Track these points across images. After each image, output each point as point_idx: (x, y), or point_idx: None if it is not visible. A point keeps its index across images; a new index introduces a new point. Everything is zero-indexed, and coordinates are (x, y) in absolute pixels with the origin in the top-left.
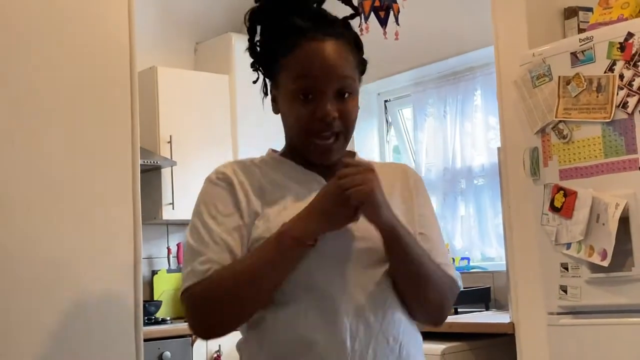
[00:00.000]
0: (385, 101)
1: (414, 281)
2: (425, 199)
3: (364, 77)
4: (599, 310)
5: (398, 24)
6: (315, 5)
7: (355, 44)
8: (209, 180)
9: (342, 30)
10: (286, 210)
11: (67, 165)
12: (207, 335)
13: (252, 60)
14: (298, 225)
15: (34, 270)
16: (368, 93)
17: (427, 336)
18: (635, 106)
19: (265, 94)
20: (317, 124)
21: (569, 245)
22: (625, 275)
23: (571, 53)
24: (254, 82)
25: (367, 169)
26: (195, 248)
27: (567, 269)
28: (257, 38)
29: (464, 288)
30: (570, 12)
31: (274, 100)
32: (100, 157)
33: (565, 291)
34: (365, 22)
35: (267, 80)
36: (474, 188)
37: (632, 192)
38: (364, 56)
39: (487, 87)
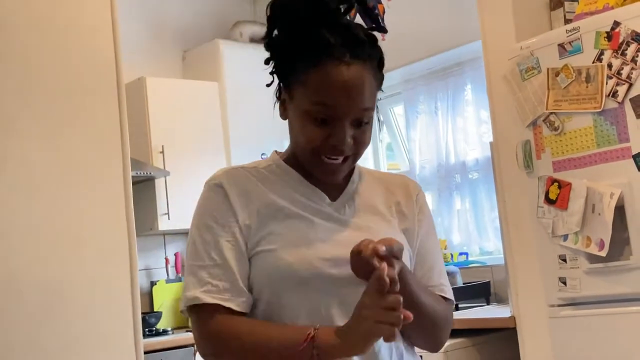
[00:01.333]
0: (377, 100)
1: (420, 324)
2: (427, 217)
3: None
4: (599, 300)
5: (383, 25)
6: (344, 18)
7: (379, 64)
8: (207, 186)
9: (369, 51)
10: (289, 232)
11: (58, 181)
12: None
13: (268, 55)
14: (326, 349)
15: (29, 288)
16: None
17: None
18: (625, 94)
19: (278, 97)
20: (329, 148)
21: (565, 237)
22: (624, 264)
23: (559, 44)
24: (268, 85)
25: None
26: (196, 263)
27: (565, 260)
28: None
29: (464, 283)
30: (556, 3)
31: (283, 105)
32: (91, 171)
33: (565, 283)
34: (386, 32)
35: (280, 82)
36: (469, 182)
37: (627, 181)
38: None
39: (477, 82)
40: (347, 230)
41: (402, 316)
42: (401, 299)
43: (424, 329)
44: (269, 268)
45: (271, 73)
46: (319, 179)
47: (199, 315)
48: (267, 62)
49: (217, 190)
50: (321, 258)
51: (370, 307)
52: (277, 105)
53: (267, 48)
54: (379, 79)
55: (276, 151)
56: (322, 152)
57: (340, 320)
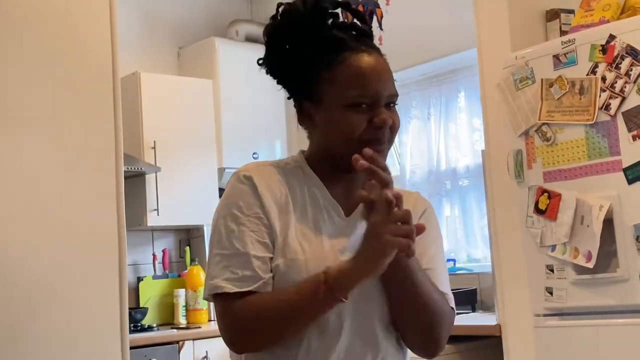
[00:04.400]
0: None
1: (419, 315)
2: (432, 228)
3: None
4: (585, 311)
5: (382, 29)
6: (345, 20)
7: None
8: (235, 177)
9: (374, 44)
10: (304, 241)
11: (51, 172)
12: (242, 351)
13: (275, 79)
14: (341, 282)
15: (17, 280)
16: None
17: None
18: (618, 108)
19: (299, 109)
20: (373, 132)
21: (554, 247)
22: (611, 276)
23: (554, 56)
24: (289, 98)
25: (408, 213)
26: (220, 251)
27: (552, 270)
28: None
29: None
30: (552, 15)
31: (307, 115)
32: (84, 164)
33: (551, 293)
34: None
35: (298, 97)
36: (459, 189)
37: (616, 194)
38: None
39: (471, 89)
40: (346, 250)
41: (414, 228)
42: (410, 212)
43: (426, 322)
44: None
45: (289, 97)
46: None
47: (223, 303)
48: (279, 83)
49: (246, 182)
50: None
51: (382, 222)
52: (297, 119)
53: (273, 70)
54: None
55: (302, 151)
56: (368, 138)
57: (347, 327)
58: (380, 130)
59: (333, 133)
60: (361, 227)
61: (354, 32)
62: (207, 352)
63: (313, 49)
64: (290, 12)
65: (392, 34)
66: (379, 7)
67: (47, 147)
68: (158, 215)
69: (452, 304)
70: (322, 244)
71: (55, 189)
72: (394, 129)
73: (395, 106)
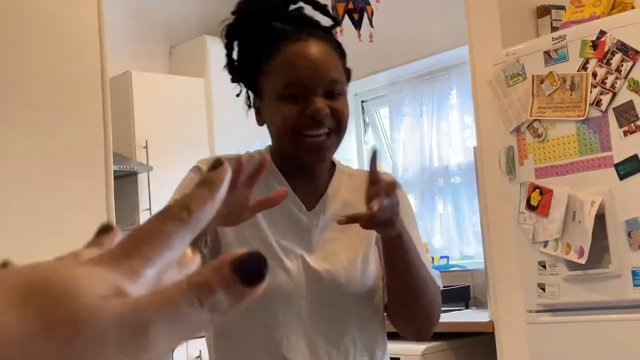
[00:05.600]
0: (363, 102)
1: (411, 290)
2: (408, 211)
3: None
4: (577, 307)
5: (372, 26)
6: (294, 11)
7: (339, 50)
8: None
9: (324, 34)
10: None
11: (39, 173)
12: None
13: (231, 76)
14: None
15: None
16: None
17: None
18: (609, 104)
19: (249, 106)
20: (307, 121)
21: (545, 244)
22: (603, 272)
23: (544, 52)
24: (237, 95)
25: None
26: None
27: (544, 267)
28: (235, 53)
29: (444, 287)
30: (543, 11)
31: (258, 113)
32: (73, 164)
33: (544, 289)
34: (340, 25)
35: (249, 92)
36: (452, 186)
37: (608, 190)
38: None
39: (463, 86)
40: (311, 245)
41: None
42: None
43: (418, 302)
44: None
45: (237, 83)
46: (308, 164)
47: None
48: (233, 80)
49: (196, 172)
50: (282, 270)
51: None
52: (252, 113)
53: (230, 69)
54: (343, 60)
55: (270, 146)
56: (302, 127)
57: (298, 331)
58: (315, 120)
59: (273, 126)
60: (324, 220)
61: (300, 23)
62: (200, 351)
63: (257, 42)
64: (238, 9)
65: (383, 31)
66: (369, 5)
67: (35, 146)
68: (150, 214)
69: (439, 283)
70: (268, 240)
71: (44, 189)
72: (338, 117)
73: (339, 95)
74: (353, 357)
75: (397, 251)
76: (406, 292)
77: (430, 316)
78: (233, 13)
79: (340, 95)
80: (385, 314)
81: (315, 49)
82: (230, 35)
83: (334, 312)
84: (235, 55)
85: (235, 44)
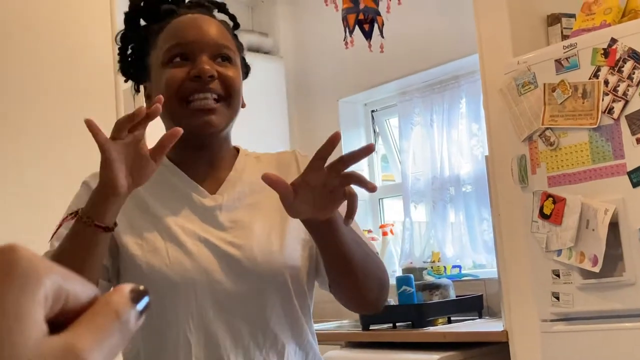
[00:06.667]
0: (372, 111)
1: (353, 267)
2: None
3: (351, 87)
4: (592, 316)
5: (383, 37)
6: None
7: (232, 25)
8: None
9: (215, 11)
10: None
11: (49, 183)
12: None
13: (124, 77)
14: (88, 211)
15: None
16: (355, 103)
17: (421, 346)
18: (621, 112)
19: (146, 97)
20: (192, 85)
21: (559, 252)
22: (617, 280)
23: (555, 60)
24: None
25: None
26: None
27: (558, 275)
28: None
29: (456, 296)
30: (553, 19)
31: (148, 98)
32: (84, 176)
33: (558, 298)
34: (350, 36)
35: (140, 83)
36: (463, 195)
37: (621, 197)
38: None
39: (473, 95)
40: (215, 230)
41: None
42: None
43: (368, 276)
44: (136, 275)
45: (129, 78)
46: (198, 133)
47: None
48: (124, 75)
49: (84, 187)
50: (186, 255)
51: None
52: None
53: (123, 71)
54: (234, 35)
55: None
56: (188, 91)
57: (217, 321)
58: (201, 81)
59: (161, 94)
60: (229, 199)
61: (195, 3)
62: None
63: (145, 29)
64: (128, 11)
65: (393, 41)
66: (379, 15)
67: (48, 156)
68: None
69: (375, 250)
70: (169, 226)
71: (54, 199)
72: (227, 84)
73: (229, 62)
74: (280, 340)
75: (339, 225)
76: (346, 271)
77: (377, 287)
78: (124, 21)
79: (230, 64)
80: (329, 290)
81: (201, 18)
82: (123, 39)
83: (253, 292)
84: (124, 57)
85: (130, 47)
